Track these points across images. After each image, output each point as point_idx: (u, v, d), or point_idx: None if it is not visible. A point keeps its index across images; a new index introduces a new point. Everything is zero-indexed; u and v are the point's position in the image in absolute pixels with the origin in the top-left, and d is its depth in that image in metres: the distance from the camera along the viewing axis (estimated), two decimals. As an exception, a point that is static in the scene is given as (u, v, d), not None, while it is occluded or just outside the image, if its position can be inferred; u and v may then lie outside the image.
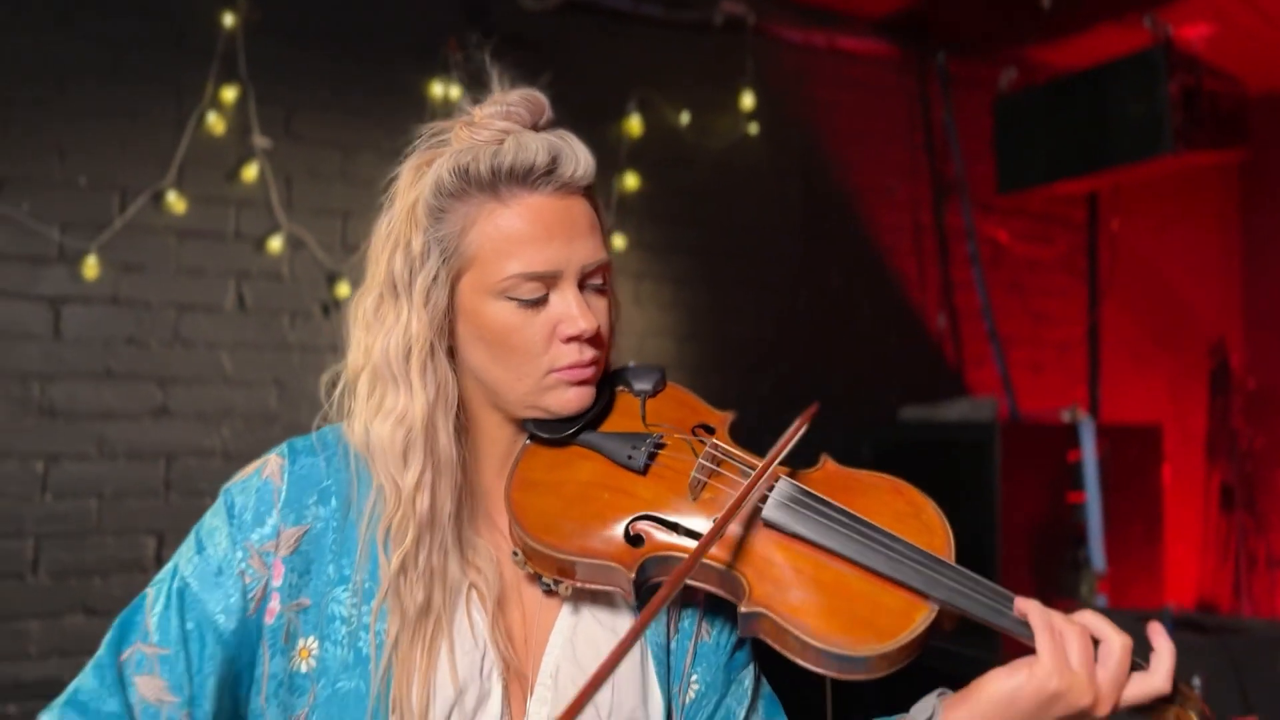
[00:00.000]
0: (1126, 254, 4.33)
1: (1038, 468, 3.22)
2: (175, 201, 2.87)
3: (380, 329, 1.01)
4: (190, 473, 2.87)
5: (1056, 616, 0.95)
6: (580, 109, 3.60)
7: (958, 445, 3.27)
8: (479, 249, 0.99)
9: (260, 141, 2.98)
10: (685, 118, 3.52)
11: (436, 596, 0.97)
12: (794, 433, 1.00)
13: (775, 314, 3.72)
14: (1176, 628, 2.71)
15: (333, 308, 3.06)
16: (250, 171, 2.97)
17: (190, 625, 0.98)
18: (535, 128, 1.02)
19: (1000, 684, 0.93)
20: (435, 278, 0.99)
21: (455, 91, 3.07)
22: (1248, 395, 4.51)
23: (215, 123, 2.92)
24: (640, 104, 3.44)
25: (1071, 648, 0.93)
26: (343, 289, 3.05)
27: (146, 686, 0.98)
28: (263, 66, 2.97)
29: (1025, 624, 0.95)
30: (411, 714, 0.94)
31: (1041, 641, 0.93)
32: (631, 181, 3.41)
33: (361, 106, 3.11)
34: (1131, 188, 4.21)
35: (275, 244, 2.99)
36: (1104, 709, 0.93)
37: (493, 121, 1.00)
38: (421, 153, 1.03)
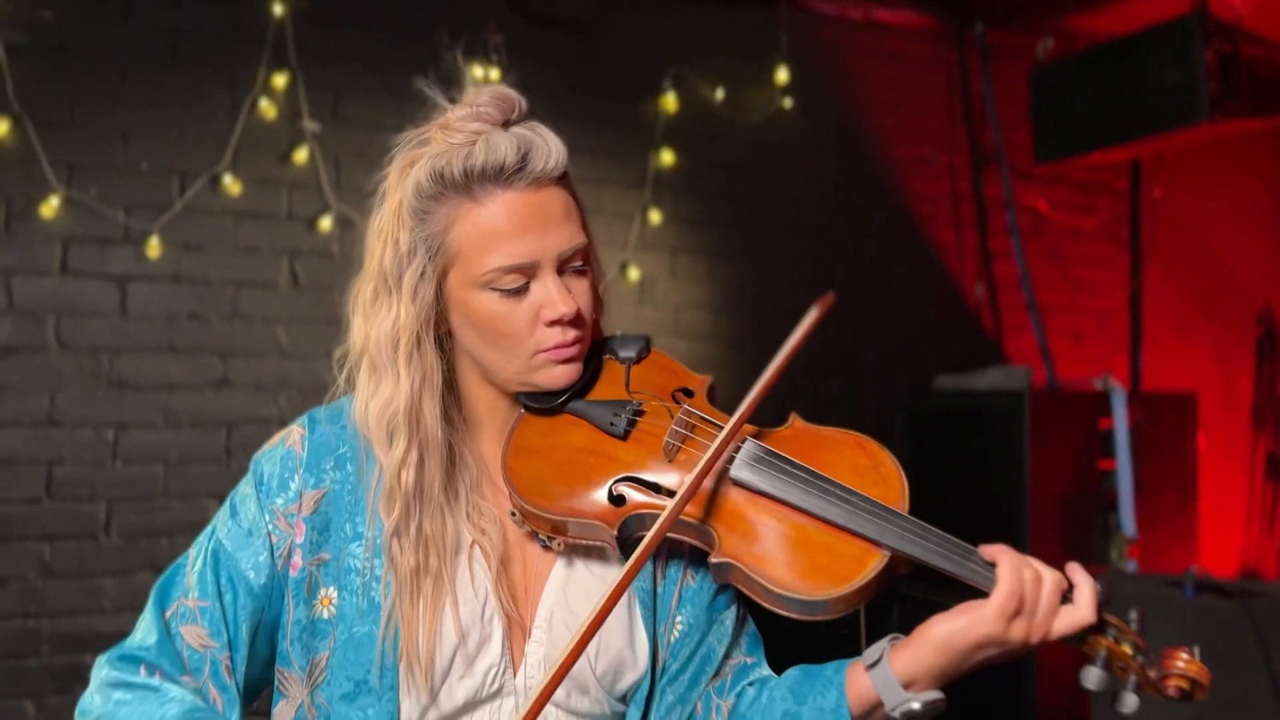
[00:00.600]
0: (1170, 221, 4.30)
1: (1068, 435, 3.27)
2: (231, 184, 3.03)
3: (375, 318, 1.11)
4: (249, 440, 3.04)
5: (1023, 567, 1.02)
6: (616, 87, 3.70)
7: (988, 413, 3.32)
8: (460, 246, 1.08)
9: (310, 125, 3.12)
10: (720, 94, 3.59)
11: (432, 560, 1.08)
12: (755, 400, 1.09)
13: (810, 286, 3.77)
14: (1198, 591, 2.76)
15: (381, 283, 3.20)
16: (301, 154, 3.12)
17: (225, 581, 1.10)
18: (507, 124, 1.10)
19: (941, 627, 1.02)
20: (422, 274, 1.09)
21: (495, 74, 3.18)
22: (1296, 363, 4.46)
23: (267, 108, 3.07)
24: (675, 81, 3.52)
25: (1027, 600, 1.00)
26: (390, 265, 3.19)
27: (191, 635, 1.09)
28: (311, 53, 3.10)
29: (976, 570, 1.02)
30: (418, 660, 1.06)
31: (998, 593, 1.00)
32: (667, 158, 3.50)
33: (405, 89, 3.22)
34: (1176, 154, 4.18)
35: (325, 223, 3.14)
36: (1034, 641, 1.01)
37: (465, 124, 1.08)
38: (405, 154, 1.12)
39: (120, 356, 2.94)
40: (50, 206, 2.85)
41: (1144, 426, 3.30)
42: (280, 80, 3.08)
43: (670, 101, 3.51)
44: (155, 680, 1.07)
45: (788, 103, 3.67)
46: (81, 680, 2.81)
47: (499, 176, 1.06)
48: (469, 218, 1.07)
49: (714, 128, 3.62)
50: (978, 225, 4.05)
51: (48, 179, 2.85)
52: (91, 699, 1.09)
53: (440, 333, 1.13)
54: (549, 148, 1.09)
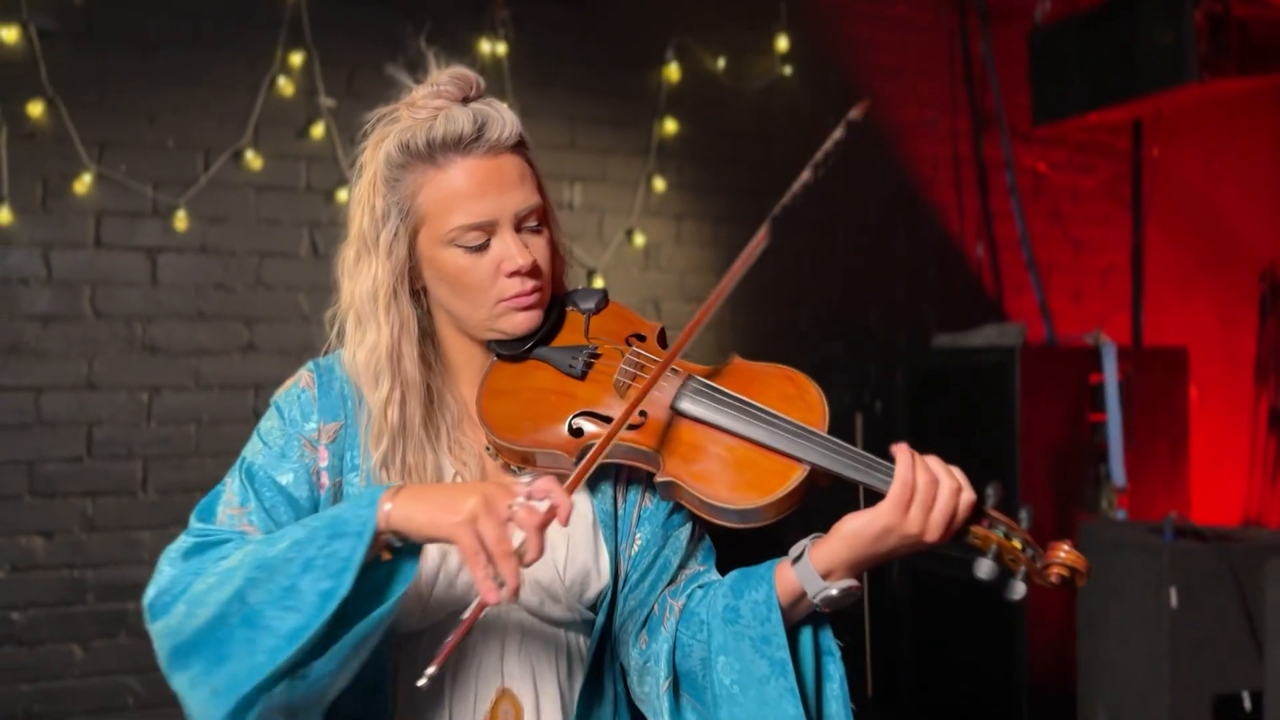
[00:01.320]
0: (1172, 180, 4.36)
1: (1060, 389, 3.37)
2: (252, 159, 3.19)
3: (357, 277, 1.26)
4: (274, 402, 3.22)
5: (918, 467, 1.14)
6: (620, 58, 3.83)
7: (983, 369, 3.44)
8: (428, 208, 1.22)
9: (326, 101, 3.27)
10: (722, 63, 3.70)
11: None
12: (686, 334, 1.23)
13: (813, 249, 3.91)
14: (1177, 536, 2.88)
15: (397, 252, 3.36)
16: (318, 129, 3.27)
17: (263, 489, 1.23)
18: (466, 100, 1.23)
19: (850, 523, 1.16)
20: (395, 234, 1.23)
21: (501, 48, 3.31)
22: (1300, 318, 4.53)
23: (285, 85, 3.22)
24: (678, 51, 3.63)
25: (918, 494, 1.13)
26: (405, 234, 3.35)
27: (246, 529, 1.20)
28: (325, 31, 3.25)
29: (882, 478, 1.15)
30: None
31: (894, 486, 1.14)
32: (671, 126, 3.62)
33: (417, 63, 3.37)
34: (1178, 113, 4.24)
35: (343, 195, 3.29)
36: (931, 534, 1.14)
37: (428, 101, 1.22)
38: (378, 131, 1.26)
39: (152, 324, 3.12)
40: (83, 183, 3.03)
41: (1134, 380, 3.40)
42: (297, 59, 3.23)
43: (673, 71, 3.62)
44: (220, 531, 1.19)
45: (788, 70, 3.77)
46: (124, 625, 3.03)
47: (458, 145, 1.20)
48: (433, 183, 1.21)
49: (716, 96, 3.73)
50: (978, 186, 4.15)
51: (80, 157, 3.03)
52: (164, 569, 1.18)
53: (416, 287, 1.27)
54: (503, 120, 1.22)
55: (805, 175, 1.22)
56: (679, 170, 3.69)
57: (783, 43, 3.72)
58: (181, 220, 3.12)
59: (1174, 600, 2.78)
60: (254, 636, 1.05)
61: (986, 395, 3.40)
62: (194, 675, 1.10)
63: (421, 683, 1.03)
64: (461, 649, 1.24)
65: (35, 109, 2.98)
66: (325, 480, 1.25)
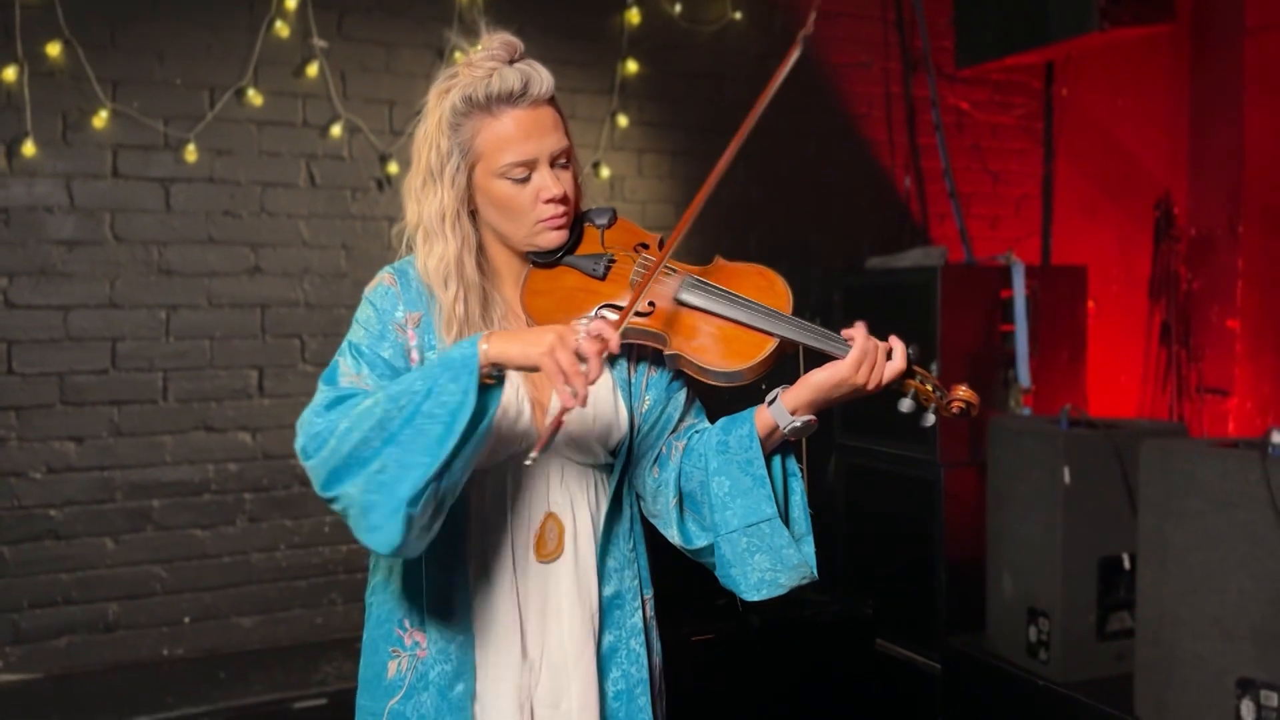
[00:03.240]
0: (1080, 118, 4.84)
1: (975, 304, 3.85)
2: (254, 96, 3.49)
3: (425, 201, 1.61)
4: (280, 319, 3.57)
5: (870, 343, 1.57)
6: (583, 4, 4.16)
7: (909, 287, 3.90)
8: (484, 148, 1.58)
9: (319, 43, 3.56)
10: (678, 8, 4.05)
11: None
12: (673, 238, 1.63)
13: (760, 180, 4.31)
14: (1070, 425, 3.39)
15: (385, 183, 3.69)
16: (312, 69, 3.56)
17: (372, 360, 1.58)
18: (511, 62, 1.59)
19: (816, 375, 1.59)
20: (458, 168, 1.59)
21: (479, -6, 3.63)
22: (1189, 242, 5.07)
23: (281, 28, 3.51)
24: (638, -3, 3.98)
25: (866, 360, 1.57)
26: (392, 167, 3.67)
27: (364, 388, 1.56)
28: (318, -22, 3.53)
29: (837, 346, 1.58)
30: None
31: (853, 353, 1.56)
32: (632, 66, 3.98)
33: (401, 8, 3.68)
34: (1085, 55, 4.70)
35: (336, 130, 3.61)
36: (873, 385, 1.58)
37: (484, 61, 1.57)
38: (441, 83, 1.61)
39: (168, 248, 3.43)
40: (101, 118, 3.30)
41: (1039, 295, 3.89)
42: (291, 2, 3.50)
43: (634, 15, 3.97)
44: (356, 387, 1.53)
45: (738, 15, 4.14)
46: (150, 520, 3.39)
47: (509, 99, 1.56)
48: (489, 128, 1.57)
49: (673, 38, 4.09)
50: (907, 123, 4.58)
51: (97, 94, 3.30)
52: (310, 422, 1.46)
53: (470, 210, 1.65)
54: (542, 78, 1.58)
55: (793, 55, 1.62)
56: (640, 108, 4.06)
57: (733, -11, 4.09)
58: (191, 153, 3.41)
59: (1067, 478, 3.28)
60: (415, 441, 1.41)
61: (912, 309, 3.86)
62: (361, 479, 1.43)
63: (528, 462, 1.42)
64: (517, 481, 1.65)
65: (54, 49, 3.23)
66: (415, 356, 1.61)
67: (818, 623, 3.64)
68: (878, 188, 4.55)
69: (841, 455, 4.28)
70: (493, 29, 1.66)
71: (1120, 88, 4.93)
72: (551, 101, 1.61)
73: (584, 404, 1.39)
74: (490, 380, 1.44)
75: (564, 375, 1.38)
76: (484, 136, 1.57)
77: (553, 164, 1.60)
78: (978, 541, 3.69)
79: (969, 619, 3.73)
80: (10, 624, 3.27)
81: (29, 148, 3.22)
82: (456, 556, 1.61)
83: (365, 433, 1.43)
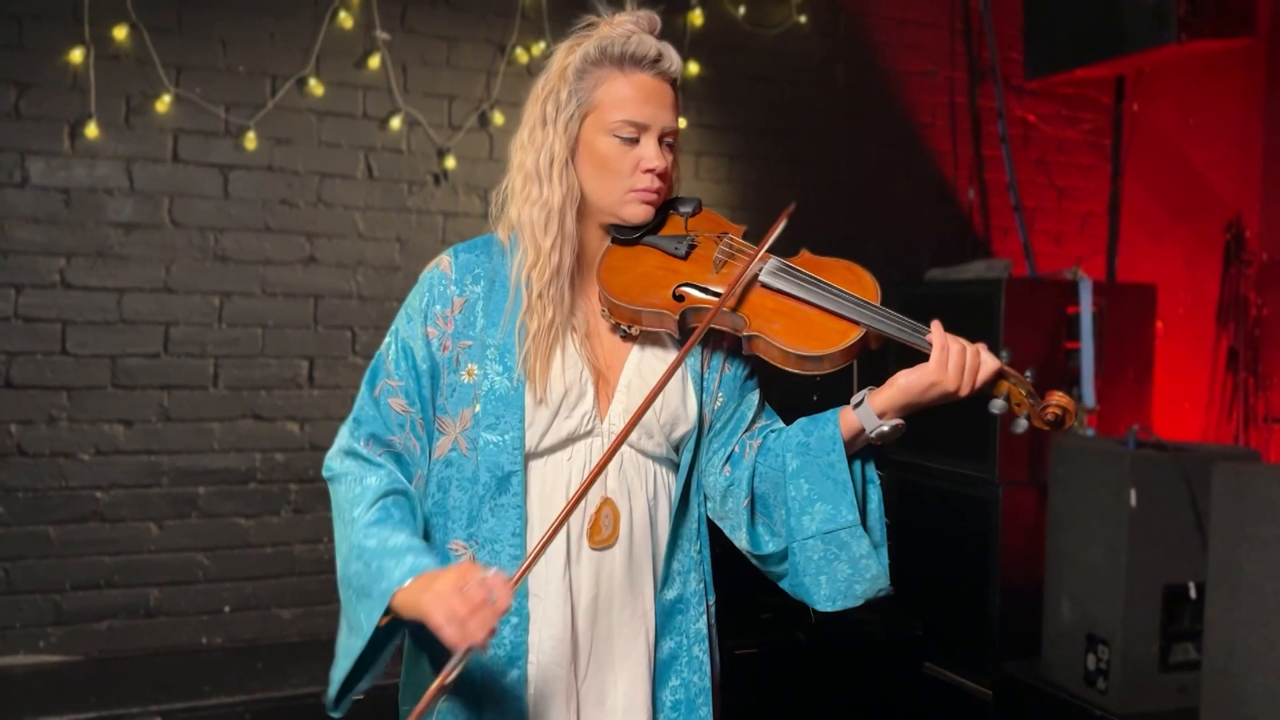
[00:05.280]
0: (1150, 134, 4.71)
1: (1039, 319, 3.74)
2: (315, 86, 3.48)
3: (532, 148, 1.58)
4: (333, 310, 3.55)
5: (950, 339, 1.51)
6: (649, 3, 4.08)
7: (971, 299, 3.80)
8: (602, 100, 1.54)
9: (382, 35, 3.55)
10: (742, 10, 4.00)
11: (557, 318, 1.56)
12: (775, 227, 1.58)
13: (819, 187, 4.24)
14: (1138, 446, 3.27)
15: (442, 178, 3.67)
16: (374, 60, 3.55)
17: (410, 364, 1.58)
18: (651, 34, 1.58)
19: (904, 376, 1.52)
20: (572, 115, 1.55)
21: (542, -9, 3.60)
22: (1260, 267, 4.91)
23: (345, 19, 3.50)
24: (702, -2, 3.93)
25: (952, 358, 1.50)
26: (450, 161, 3.65)
27: (395, 405, 1.58)
28: (383, -30, 3.52)
29: (920, 340, 1.51)
30: (546, 392, 1.54)
31: (934, 352, 1.50)
32: (693, 68, 3.92)
33: (464, 3, 3.66)
34: (1157, 71, 4.58)
35: (395, 123, 3.59)
36: (965, 387, 1.50)
37: (624, 23, 1.57)
38: (575, 36, 1.59)
39: (224, 234, 3.42)
40: (163, 103, 3.31)
41: (1106, 312, 3.77)
42: (356, -6, 3.50)
43: (696, 16, 3.92)
44: (370, 452, 1.56)
45: (803, 19, 4.08)
46: (195, 507, 3.38)
47: (642, 62, 1.54)
48: (614, 82, 1.54)
49: (735, 41, 4.04)
50: (972, 134, 4.48)
51: (161, 79, 3.31)
52: (334, 459, 1.58)
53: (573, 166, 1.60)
54: (674, 58, 1.57)
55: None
56: (699, 110, 4.00)
57: (799, -8, 4.03)
58: (251, 140, 3.41)
59: (1133, 500, 3.16)
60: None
61: (974, 323, 3.76)
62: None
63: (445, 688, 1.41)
64: (577, 468, 1.60)
65: (120, 33, 3.25)
66: (449, 344, 1.59)
67: (866, 642, 3.54)
68: (939, 198, 4.45)
69: (893, 471, 4.17)
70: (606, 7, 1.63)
71: (1192, 106, 4.79)
72: (675, 85, 1.60)
73: (481, 648, 1.33)
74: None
75: (455, 620, 1.32)
76: (606, 88, 1.55)
77: (660, 139, 1.58)
78: (1035, 564, 3.57)
79: (1024, 644, 3.60)
80: (53, 604, 3.26)
81: (92, 129, 3.23)
82: (518, 543, 1.56)
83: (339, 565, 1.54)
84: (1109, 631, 3.22)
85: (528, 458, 1.58)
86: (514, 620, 1.56)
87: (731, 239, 1.64)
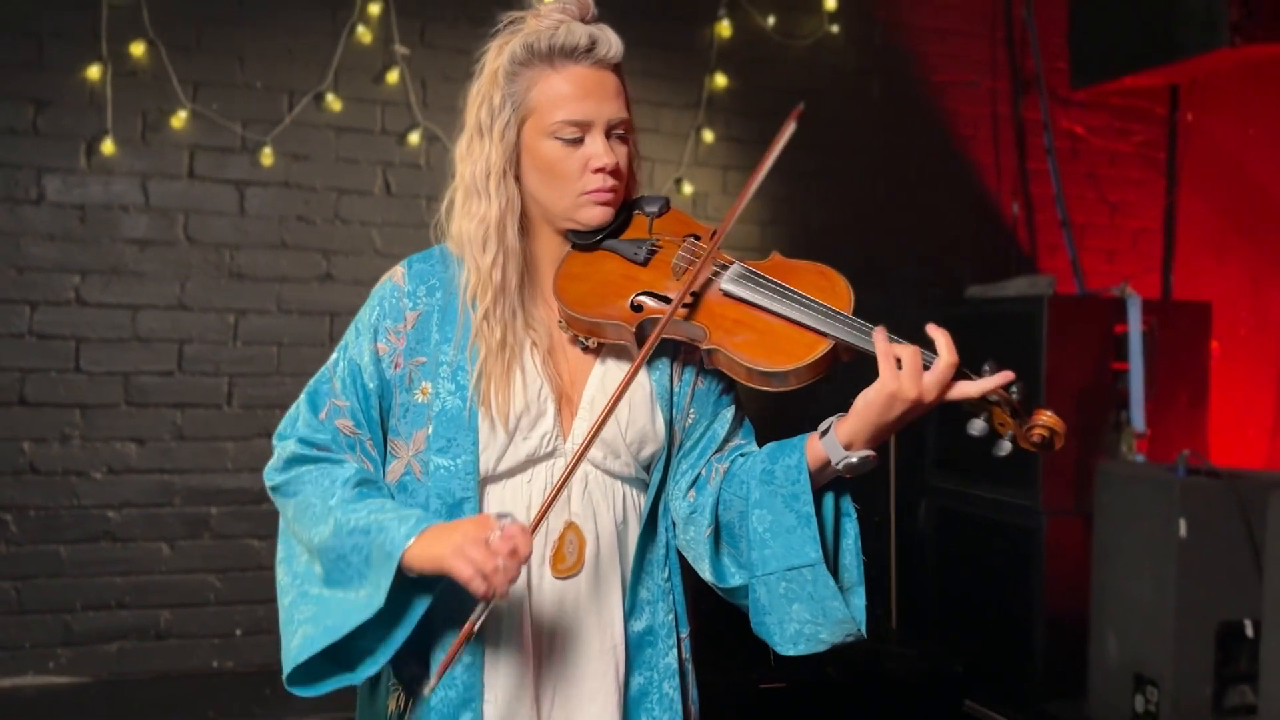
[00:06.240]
0: (1207, 146, 4.49)
1: (1085, 338, 3.54)
2: (333, 102, 3.44)
3: (470, 160, 1.47)
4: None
5: (897, 344, 1.35)
6: (674, 15, 4.02)
7: (1012, 317, 3.61)
8: (538, 102, 1.43)
9: (401, 49, 3.51)
10: (771, 20, 3.89)
11: (509, 337, 1.45)
12: (728, 218, 1.46)
13: (854, 201, 4.09)
14: (1188, 473, 3.06)
15: (462, 193, 3.60)
16: (393, 75, 3.50)
17: (358, 385, 1.47)
18: (583, 20, 1.46)
19: (863, 395, 1.37)
20: (508, 122, 1.44)
21: (564, 2, 3.52)
22: (1329, 284, 4.64)
23: (363, 34, 3.46)
24: (729, 8, 3.82)
25: (906, 361, 1.33)
26: (470, 176, 3.58)
27: (343, 426, 1.48)
28: (402, -16, 3.48)
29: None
30: (500, 415, 1.43)
31: (880, 360, 1.34)
32: (721, 80, 3.82)
33: (484, 17, 3.58)
34: (1214, 79, 4.36)
35: (414, 138, 3.53)
36: (930, 398, 1.34)
37: (552, 13, 1.44)
38: (503, 34, 1.48)
39: (239, 251, 3.39)
40: (179, 119, 3.29)
41: (1157, 332, 3.56)
42: (375, 8, 3.46)
43: (724, 28, 3.82)
44: (327, 452, 1.47)
45: (835, 29, 3.95)
46: (208, 527, 3.32)
47: (573, 54, 1.42)
48: (547, 81, 1.43)
49: (765, 52, 3.92)
50: (1016, 147, 4.30)
51: (177, 95, 3.29)
52: (277, 471, 1.48)
53: (515, 176, 1.48)
54: (611, 41, 1.45)
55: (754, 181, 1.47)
56: (727, 123, 3.89)
57: (830, 1, 3.90)
58: (267, 156, 3.37)
59: (1183, 530, 2.96)
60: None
61: (1015, 343, 3.58)
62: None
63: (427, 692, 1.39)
64: (537, 490, 1.48)
65: (137, 49, 3.24)
66: (400, 361, 1.47)
67: (902, 678, 3.36)
68: (982, 213, 4.27)
69: (933, 498, 3.99)
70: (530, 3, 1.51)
71: (1252, 114, 4.55)
72: (617, 69, 1.47)
73: (503, 596, 1.29)
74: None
75: (479, 573, 1.27)
76: (540, 89, 1.43)
77: (608, 134, 1.45)
78: (1081, 598, 3.36)
79: (1068, 683, 3.40)
80: (63, 625, 3.22)
81: (108, 146, 3.22)
82: (446, 591, 1.44)
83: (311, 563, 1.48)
84: (1158, 672, 3.01)
85: (485, 481, 1.47)
86: (465, 659, 1.44)
87: (695, 240, 1.51)
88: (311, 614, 1.43)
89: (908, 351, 1.35)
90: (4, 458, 3.17)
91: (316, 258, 3.47)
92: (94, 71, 3.20)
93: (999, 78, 4.28)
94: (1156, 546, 3.03)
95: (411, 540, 1.33)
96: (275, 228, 3.42)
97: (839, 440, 1.39)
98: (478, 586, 1.27)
